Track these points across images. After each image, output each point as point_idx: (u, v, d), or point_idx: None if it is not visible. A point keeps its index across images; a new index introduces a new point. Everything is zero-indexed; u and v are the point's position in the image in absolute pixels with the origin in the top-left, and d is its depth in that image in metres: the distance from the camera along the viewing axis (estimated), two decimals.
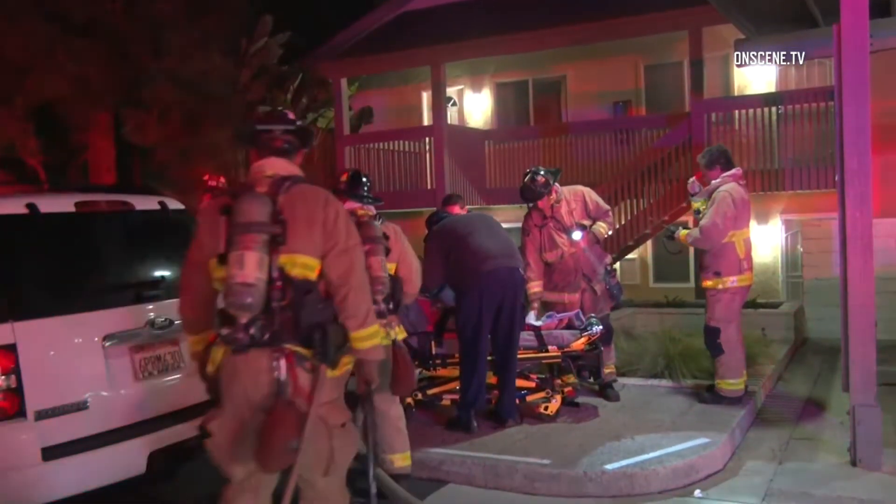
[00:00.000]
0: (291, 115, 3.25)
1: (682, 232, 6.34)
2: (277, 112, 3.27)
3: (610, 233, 6.65)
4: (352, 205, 4.51)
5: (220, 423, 3.00)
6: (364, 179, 4.77)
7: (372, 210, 4.57)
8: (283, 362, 2.89)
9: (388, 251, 4.39)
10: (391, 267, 4.43)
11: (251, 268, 2.83)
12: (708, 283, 6.07)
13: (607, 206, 6.49)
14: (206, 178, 7.24)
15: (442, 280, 5.71)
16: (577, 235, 6.25)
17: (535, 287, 6.24)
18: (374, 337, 3.11)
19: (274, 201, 2.95)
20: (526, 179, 6.31)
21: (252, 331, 2.87)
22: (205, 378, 3.18)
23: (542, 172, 6.29)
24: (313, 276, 2.99)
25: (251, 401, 2.93)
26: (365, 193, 4.67)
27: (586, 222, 6.32)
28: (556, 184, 6.31)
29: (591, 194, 6.45)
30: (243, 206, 2.91)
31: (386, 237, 4.40)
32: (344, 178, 4.68)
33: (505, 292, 5.47)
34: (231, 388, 2.98)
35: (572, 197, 6.34)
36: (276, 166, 3.08)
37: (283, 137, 3.13)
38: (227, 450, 3.00)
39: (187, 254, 3.17)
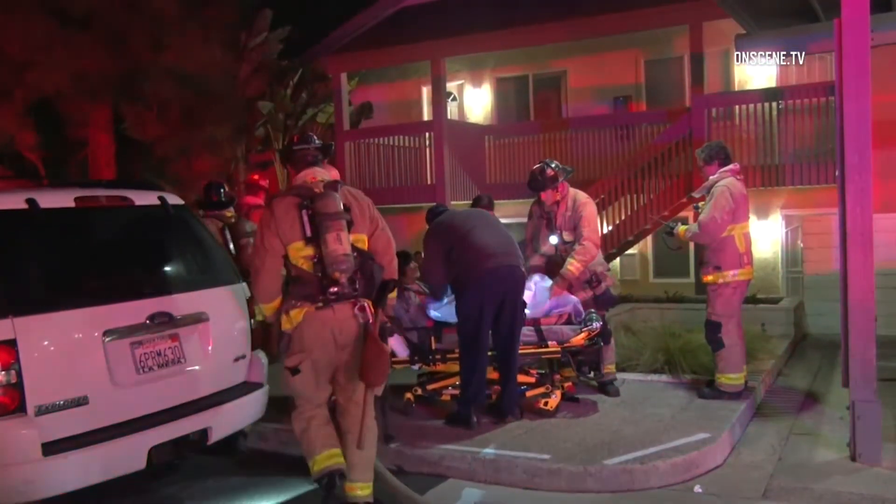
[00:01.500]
0: (314, 136, 4.39)
1: (682, 228, 6.30)
2: (306, 135, 4.38)
3: (598, 262, 6.21)
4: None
5: (306, 362, 4.03)
6: (222, 190, 7.11)
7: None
8: (365, 310, 4.01)
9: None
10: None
11: (346, 242, 3.93)
12: (708, 278, 6.07)
13: (589, 234, 6.00)
14: (255, 177, 8.63)
15: (445, 280, 5.69)
16: (553, 239, 6.20)
17: (533, 261, 6.25)
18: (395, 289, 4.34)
19: None
20: (535, 169, 6.26)
21: (356, 285, 4.01)
22: (281, 333, 4.14)
23: (552, 166, 6.19)
24: (366, 248, 4.14)
25: (338, 341, 4.02)
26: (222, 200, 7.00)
27: (569, 236, 6.12)
28: (566, 183, 6.23)
29: (588, 210, 6.11)
30: (327, 201, 3.96)
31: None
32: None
33: (506, 290, 5.45)
34: (319, 334, 4.01)
35: (573, 202, 6.17)
36: (320, 173, 4.16)
37: (312, 153, 4.24)
38: (311, 380, 4.08)
39: (261, 243, 4.03)
